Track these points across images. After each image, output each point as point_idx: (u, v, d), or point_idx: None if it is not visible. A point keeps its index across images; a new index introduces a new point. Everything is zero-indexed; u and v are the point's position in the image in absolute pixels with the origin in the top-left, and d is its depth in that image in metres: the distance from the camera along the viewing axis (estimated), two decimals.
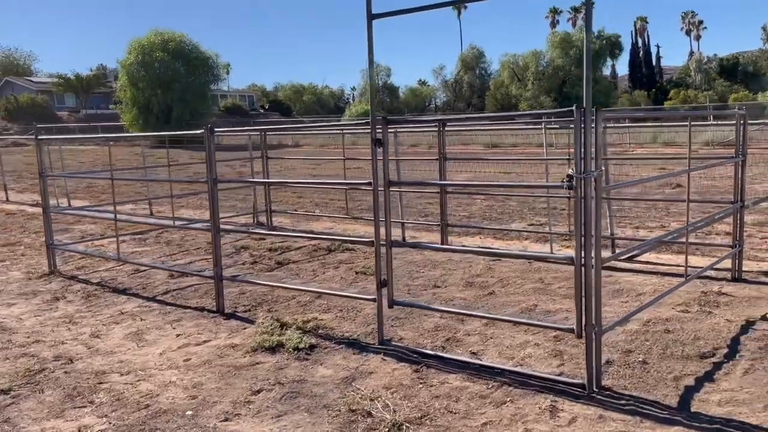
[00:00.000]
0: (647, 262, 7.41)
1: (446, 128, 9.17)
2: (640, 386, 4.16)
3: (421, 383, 4.35)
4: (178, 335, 5.55)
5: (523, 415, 3.83)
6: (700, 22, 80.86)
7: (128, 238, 10.13)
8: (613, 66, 75.12)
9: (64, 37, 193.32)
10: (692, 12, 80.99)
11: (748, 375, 4.26)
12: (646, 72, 75.60)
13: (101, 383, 4.55)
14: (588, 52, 3.87)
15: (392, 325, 5.54)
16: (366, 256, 8.13)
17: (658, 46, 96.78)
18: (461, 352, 4.89)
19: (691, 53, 76.21)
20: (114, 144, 39.73)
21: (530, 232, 9.47)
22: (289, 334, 5.23)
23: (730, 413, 3.76)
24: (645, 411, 3.82)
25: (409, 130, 14.50)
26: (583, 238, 4.02)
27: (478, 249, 8.31)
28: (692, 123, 14.59)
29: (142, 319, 6.04)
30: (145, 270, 7.93)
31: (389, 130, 10.58)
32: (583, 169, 3.92)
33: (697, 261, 7.16)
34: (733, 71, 64.72)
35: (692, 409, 3.83)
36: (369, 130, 4.94)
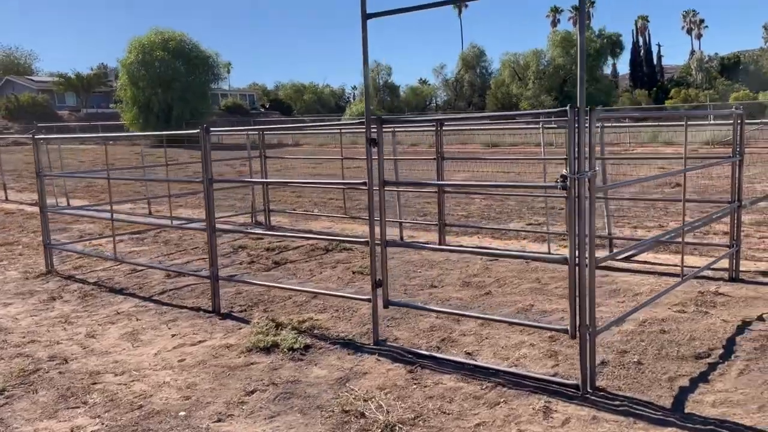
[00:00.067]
0: (645, 262, 7.39)
1: (444, 128, 9.15)
2: (635, 387, 4.15)
3: (415, 384, 4.34)
4: (173, 335, 5.54)
5: (516, 416, 3.82)
6: (701, 21, 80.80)
7: (126, 238, 10.13)
8: (614, 65, 75.14)
9: (64, 36, 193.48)
10: (693, 11, 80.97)
11: (743, 376, 4.25)
12: (647, 71, 75.52)
13: (95, 384, 4.55)
14: (582, 52, 3.86)
15: (388, 325, 5.54)
16: (363, 255, 8.12)
17: (659, 45, 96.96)
18: (456, 352, 4.88)
19: (692, 52, 76.14)
20: (114, 143, 39.78)
21: (528, 231, 9.46)
22: (285, 335, 5.23)
23: (724, 414, 3.75)
24: (639, 412, 3.81)
25: (404, 129, 14.47)
26: (577, 238, 4.01)
27: (473, 249, 8.30)
28: (691, 122, 14.46)
29: (137, 319, 6.04)
30: (142, 270, 7.92)
31: (387, 130, 10.59)
32: (576, 169, 3.91)
33: (694, 261, 7.15)
34: (734, 70, 64.63)
35: (686, 410, 3.82)
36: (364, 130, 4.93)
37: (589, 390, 4.09)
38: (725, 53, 69.06)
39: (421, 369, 4.57)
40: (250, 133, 12.58)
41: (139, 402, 4.22)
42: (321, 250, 8.67)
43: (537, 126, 9.67)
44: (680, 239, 6.12)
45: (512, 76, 65.29)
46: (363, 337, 5.27)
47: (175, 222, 10.88)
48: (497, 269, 7.33)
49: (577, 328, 4.09)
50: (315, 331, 5.45)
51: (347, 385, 4.36)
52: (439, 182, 9.09)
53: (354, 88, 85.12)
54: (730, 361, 4.51)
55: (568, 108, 3.91)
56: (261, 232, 9.87)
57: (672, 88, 63.95)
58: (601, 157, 7.73)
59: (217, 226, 7.56)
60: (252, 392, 4.30)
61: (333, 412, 3.96)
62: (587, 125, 3.91)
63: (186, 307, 6.36)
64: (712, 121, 17.60)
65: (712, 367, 4.42)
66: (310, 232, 10.44)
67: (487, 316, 5.31)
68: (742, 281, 6.46)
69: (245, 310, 6.18)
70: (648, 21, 77.56)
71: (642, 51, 76.68)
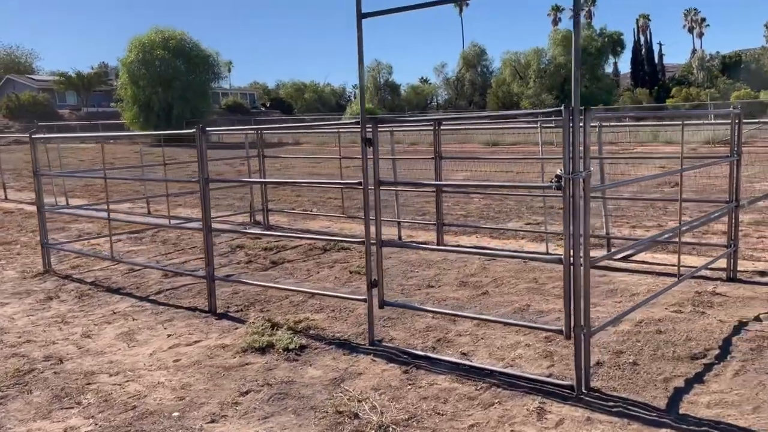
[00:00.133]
0: (643, 262, 7.37)
1: (441, 127, 9.13)
2: (630, 388, 4.13)
3: (409, 384, 4.33)
4: (169, 335, 5.54)
5: (510, 417, 3.81)
6: (703, 20, 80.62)
7: (124, 237, 10.12)
8: (615, 64, 75.01)
9: (65, 35, 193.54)
10: (695, 9, 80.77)
11: (738, 376, 4.24)
12: (648, 70, 75.40)
13: (90, 384, 4.54)
14: (577, 52, 3.85)
15: (384, 326, 5.53)
16: (361, 255, 8.10)
17: (660, 44, 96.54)
18: (452, 352, 4.87)
19: (694, 51, 75.98)
20: (115, 142, 39.78)
21: (526, 231, 9.45)
22: (280, 335, 5.22)
23: (719, 415, 3.73)
24: (633, 413, 3.79)
25: (401, 129, 14.47)
26: (572, 238, 4.00)
27: (469, 249, 8.29)
28: (691, 122, 14.42)
29: (134, 319, 6.03)
30: (139, 269, 7.92)
31: (383, 130, 10.57)
32: (571, 169, 3.89)
33: (693, 261, 7.13)
34: (736, 69, 64.52)
35: (681, 411, 3.80)
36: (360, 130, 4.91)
37: (583, 391, 4.08)
38: (726, 52, 68.94)
39: (416, 369, 4.56)
40: (248, 132, 12.57)
41: (133, 402, 4.21)
42: (319, 250, 8.66)
43: (535, 125, 9.65)
44: (677, 239, 6.11)
45: (513, 74, 65.28)
46: (359, 338, 5.26)
47: (173, 221, 10.88)
48: (495, 269, 7.32)
49: (572, 329, 4.08)
50: (311, 332, 5.44)
51: (342, 385, 4.35)
52: (434, 182, 9.08)
53: (355, 86, 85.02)
54: (725, 361, 4.49)
55: (562, 108, 3.90)
56: (258, 231, 9.85)
57: (673, 86, 63.87)
58: (598, 157, 7.72)
59: (214, 225, 7.55)
60: (246, 393, 4.30)
61: (327, 412, 3.95)
62: (582, 125, 3.90)
63: (182, 307, 6.35)
64: (712, 120, 17.57)
65: (708, 367, 4.40)
66: (308, 231, 10.44)
67: (482, 317, 5.30)
68: (740, 281, 6.44)
69: (241, 310, 6.17)
70: (649, 20, 77.44)
71: (643, 50, 76.56)
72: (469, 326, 5.38)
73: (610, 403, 3.93)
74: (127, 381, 4.58)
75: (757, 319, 5.31)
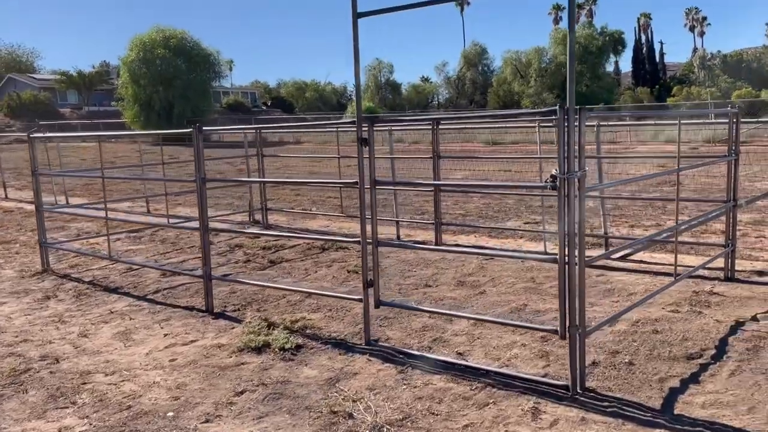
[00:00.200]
0: (641, 262, 7.37)
1: (440, 127, 9.13)
2: (625, 388, 4.13)
3: (405, 384, 4.32)
4: (165, 335, 5.54)
5: (504, 417, 3.80)
6: (704, 19, 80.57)
7: (123, 236, 10.13)
8: (616, 62, 74.94)
9: (66, 34, 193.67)
10: (696, 8, 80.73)
11: (734, 377, 4.23)
12: (649, 68, 75.33)
13: (85, 384, 4.54)
14: (572, 52, 3.85)
15: (380, 325, 5.52)
16: (359, 254, 8.07)
17: (661, 43, 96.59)
18: (447, 352, 4.87)
19: (695, 50, 75.92)
20: (116, 141, 39.78)
21: (524, 230, 9.44)
22: (276, 334, 5.21)
23: (714, 416, 3.73)
24: (628, 413, 3.79)
25: (399, 129, 14.46)
26: (567, 238, 3.99)
27: (465, 249, 8.28)
28: (689, 121, 14.37)
29: (131, 319, 6.03)
30: (137, 269, 7.92)
31: (381, 129, 10.55)
32: (566, 169, 3.89)
33: (691, 260, 7.12)
34: (737, 68, 64.42)
35: (675, 412, 3.80)
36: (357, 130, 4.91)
37: (579, 391, 4.07)
38: (728, 51, 68.83)
39: (412, 369, 4.55)
40: (247, 131, 12.56)
41: (128, 402, 4.21)
42: (317, 249, 8.66)
43: (533, 124, 9.64)
44: (676, 239, 6.10)
45: (514, 73, 65.25)
46: (355, 337, 5.26)
47: (172, 220, 10.88)
48: (492, 268, 7.31)
49: (567, 329, 4.07)
50: (307, 331, 5.44)
51: (337, 385, 4.35)
52: (430, 182, 9.08)
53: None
54: (721, 361, 4.48)
55: (557, 108, 3.89)
56: (255, 231, 9.85)
57: (674, 85, 63.78)
58: (596, 156, 7.71)
59: (212, 225, 7.55)
60: (241, 393, 4.29)
61: (321, 412, 3.95)
62: (577, 125, 3.89)
63: (179, 307, 6.35)
64: (713, 120, 17.53)
65: (704, 367, 4.40)
66: (307, 230, 10.43)
67: (478, 317, 5.29)
68: (738, 281, 6.43)
69: (238, 310, 6.17)
70: (650, 18, 77.37)
71: (644, 48, 76.49)
72: (465, 326, 5.38)
73: (605, 404, 3.93)
74: (123, 381, 4.58)
75: (754, 318, 5.30)
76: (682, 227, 7.04)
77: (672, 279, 5.73)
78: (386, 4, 4.67)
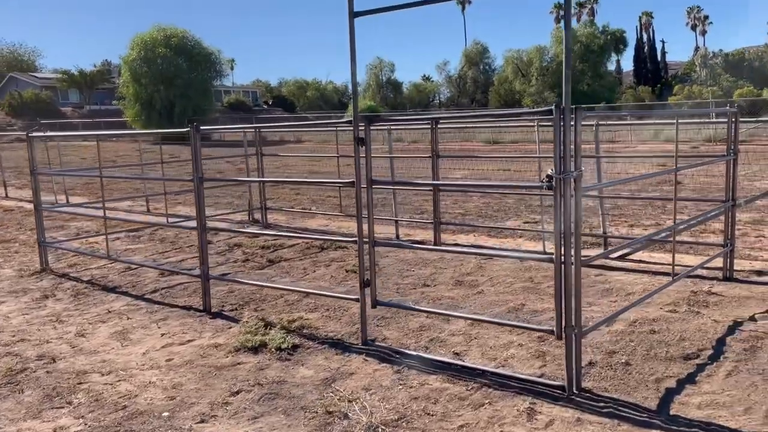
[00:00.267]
0: (640, 261, 7.35)
1: (439, 126, 9.12)
2: (621, 388, 4.12)
3: (400, 384, 4.32)
4: (162, 334, 5.53)
5: (500, 418, 3.80)
6: (706, 17, 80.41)
7: (123, 235, 10.13)
8: (617, 61, 74.81)
9: (68, 33, 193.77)
10: (698, 7, 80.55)
11: (730, 377, 4.22)
12: (651, 67, 75.19)
13: (81, 383, 4.54)
14: (568, 51, 3.84)
15: (377, 325, 5.52)
16: (357, 254, 8.09)
17: (663, 42, 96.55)
18: (444, 352, 4.86)
19: (697, 48, 75.75)
20: (117, 140, 39.81)
21: (523, 230, 9.43)
22: (273, 334, 5.21)
23: (710, 416, 3.71)
24: (623, 414, 3.78)
25: (395, 128, 14.43)
26: (563, 237, 3.98)
27: (462, 249, 8.28)
28: (690, 120, 14.32)
29: (128, 318, 6.03)
30: (136, 268, 7.92)
31: (377, 128, 10.53)
32: (562, 169, 3.88)
33: (690, 260, 7.10)
34: (739, 67, 64.27)
35: (671, 412, 3.79)
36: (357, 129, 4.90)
37: (575, 391, 4.07)
38: (729, 50, 68.65)
39: (408, 369, 4.55)
40: (246, 130, 12.56)
41: (124, 402, 4.21)
42: (316, 248, 8.65)
43: (532, 124, 9.62)
44: (675, 239, 6.08)
45: (515, 72, 65.20)
46: (352, 337, 5.25)
47: (172, 220, 10.88)
48: (491, 268, 7.30)
49: (563, 329, 4.06)
50: (304, 331, 5.43)
51: (333, 385, 4.34)
52: (427, 182, 9.07)
53: (357, 84, 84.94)
54: (718, 362, 4.47)
55: (553, 107, 3.88)
56: (254, 231, 9.84)
57: (676, 84, 63.66)
58: (595, 156, 7.69)
59: (211, 224, 7.53)
60: (237, 393, 4.29)
61: (317, 413, 3.94)
62: (573, 124, 3.88)
63: (177, 306, 6.35)
64: (713, 119, 17.50)
65: (701, 368, 4.38)
66: (306, 230, 10.43)
67: (474, 317, 5.28)
68: (736, 280, 6.41)
69: (236, 309, 6.17)
70: (652, 17, 77.22)
71: (646, 47, 76.35)
72: (462, 326, 5.37)
73: (601, 404, 3.92)
74: (119, 380, 4.58)
75: (752, 318, 5.29)
76: (681, 227, 7.03)
77: (670, 279, 5.72)
78: (385, 3, 4.66)
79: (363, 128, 4.84)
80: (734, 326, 5.14)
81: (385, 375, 4.48)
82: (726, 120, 6.24)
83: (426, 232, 9.71)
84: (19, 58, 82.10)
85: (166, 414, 4.02)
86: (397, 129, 15.30)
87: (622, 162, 14.63)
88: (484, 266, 7.39)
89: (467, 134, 28.46)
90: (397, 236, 9.49)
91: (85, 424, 3.93)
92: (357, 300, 5.13)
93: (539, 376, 4.33)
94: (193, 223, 6.36)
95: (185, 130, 6.09)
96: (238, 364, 4.78)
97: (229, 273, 7.54)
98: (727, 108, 6.34)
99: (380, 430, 3.70)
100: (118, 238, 9.87)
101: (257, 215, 11.41)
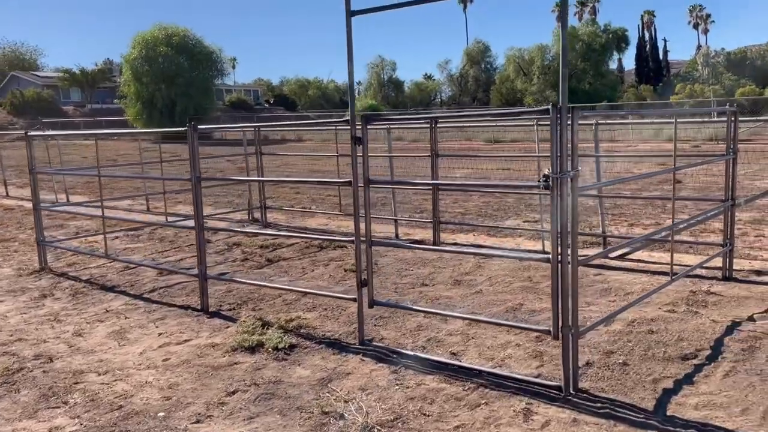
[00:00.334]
0: (639, 261, 7.33)
1: (438, 125, 9.10)
2: (618, 388, 4.10)
3: (397, 384, 4.30)
4: (160, 334, 5.53)
5: (496, 418, 3.78)
6: (708, 16, 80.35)
7: (122, 235, 10.13)
8: (619, 60, 74.82)
9: (69, 31, 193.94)
10: (700, 5, 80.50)
11: (728, 378, 4.20)
12: (652, 66, 75.18)
13: (77, 383, 4.53)
14: (565, 51, 3.82)
15: (375, 325, 5.50)
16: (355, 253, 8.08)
17: (665, 40, 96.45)
18: (441, 352, 4.85)
19: (699, 47, 75.69)
20: (118, 139, 39.82)
21: (523, 229, 9.41)
22: (270, 334, 5.20)
23: (707, 417, 3.70)
24: (620, 414, 3.76)
25: (394, 127, 14.41)
26: (559, 237, 3.97)
27: (461, 248, 8.26)
28: (689, 119, 14.29)
29: (126, 318, 6.03)
30: (134, 267, 7.91)
31: (374, 128, 10.51)
32: (559, 169, 3.86)
33: (689, 260, 7.08)
34: (741, 65, 64.18)
35: (668, 413, 3.77)
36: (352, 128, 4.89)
37: (571, 391, 4.05)
38: (732, 48, 68.57)
39: (405, 369, 4.54)
40: (246, 129, 12.56)
41: (120, 402, 4.20)
42: (315, 248, 8.64)
43: (532, 123, 9.60)
44: (674, 238, 6.06)
45: (517, 71, 65.15)
46: (349, 337, 5.24)
47: (171, 219, 10.88)
48: (490, 267, 7.28)
49: (560, 329, 4.05)
50: (302, 330, 5.42)
51: (329, 385, 4.33)
52: (425, 181, 9.06)
53: (359, 83, 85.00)
54: (716, 362, 4.46)
55: (550, 107, 3.87)
56: (252, 230, 9.83)
57: (678, 83, 63.55)
58: (594, 155, 7.67)
59: (210, 223, 7.52)
60: (233, 393, 4.28)
61: (312, 413, 3.93)
62: (570, 123, 3.86)
63: (175, 306, 6.34)
64: (714, 118, 17.46)
65: (698, 368, 4.37)
66: (305, 229, 10.42)
67: (471, 317, 5.27)
68: (736, 280, 6.39)
69: (234, 309, 6.16)
70: (654, 16, 77.24)
71: (648, 46, 76.32)
72: (460, 325, 5.35)
73: (598, 404, 3.90)
74: (115, 380, 4.57)
75: (751, 319, 5.27)
76: (680, 226, 7.01)
77: (669, 278, 5.70)
78: (381, 2, 4.64)
79: (360, 127, 4.83)
80: (733, 326, 5.12)
81: (382, 375, 4.47)
82: (725, 119, 6.21)
83: (425, 231, 9.69)
84: (21, 57, 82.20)
85: (161, 414, 4.01)
86: (396, 128, 15.27)
87: (622, 161, 14.61)
88: (482, 266, 7.38)
89: (469, 133, 28.43)
90: (397, 235, 9.48)
91: (81, 424, 3.92)
92: (354, 300, 5.12)
93: (536, 377, 4.32)
94: (192, 223, 6.37)
95: (184, 129, 6.07)
96: (235, 364, 4.77)
97: (228, 272, 7.53)
98: (727, 107, 6.32)
99: (376, 430, 3.69)
100: (117, 238, 9.87)
101: (257, 214, 11.41)
